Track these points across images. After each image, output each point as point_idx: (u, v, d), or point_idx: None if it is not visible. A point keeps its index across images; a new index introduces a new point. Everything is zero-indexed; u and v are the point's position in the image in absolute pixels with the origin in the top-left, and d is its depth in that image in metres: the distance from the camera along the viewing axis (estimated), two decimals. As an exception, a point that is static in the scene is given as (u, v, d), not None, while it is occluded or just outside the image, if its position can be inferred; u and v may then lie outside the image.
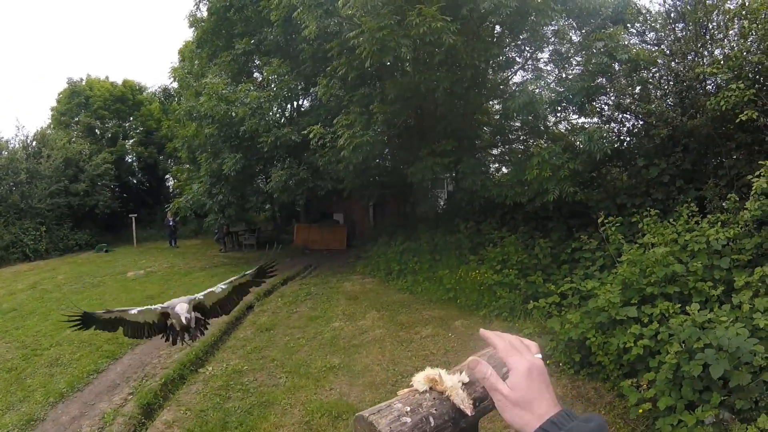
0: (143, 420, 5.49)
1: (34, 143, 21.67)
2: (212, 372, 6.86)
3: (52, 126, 24.90)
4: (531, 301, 7.51)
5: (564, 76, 11.02)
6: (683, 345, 4.33)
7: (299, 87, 14.90)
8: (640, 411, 4.46)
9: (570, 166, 8.55)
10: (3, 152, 20.30)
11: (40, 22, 53.77)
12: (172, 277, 13.35)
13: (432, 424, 1.05)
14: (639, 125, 10.35)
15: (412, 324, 8.34)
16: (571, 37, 11.25)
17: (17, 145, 21.07)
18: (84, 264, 16.69)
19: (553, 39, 11.20)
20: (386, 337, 7.83)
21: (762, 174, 6.01)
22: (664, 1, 9.67)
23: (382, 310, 9.28)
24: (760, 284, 5.17)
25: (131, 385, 6.34)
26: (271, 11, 12.76)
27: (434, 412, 1.09)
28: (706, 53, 9.03)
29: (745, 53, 7.82)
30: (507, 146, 11.96)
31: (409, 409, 1.07)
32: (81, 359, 7.22)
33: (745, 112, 7.03)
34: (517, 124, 11.49)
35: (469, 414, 1.12)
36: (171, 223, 20.42)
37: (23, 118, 30.01)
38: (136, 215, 22.08)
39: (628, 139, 10.65)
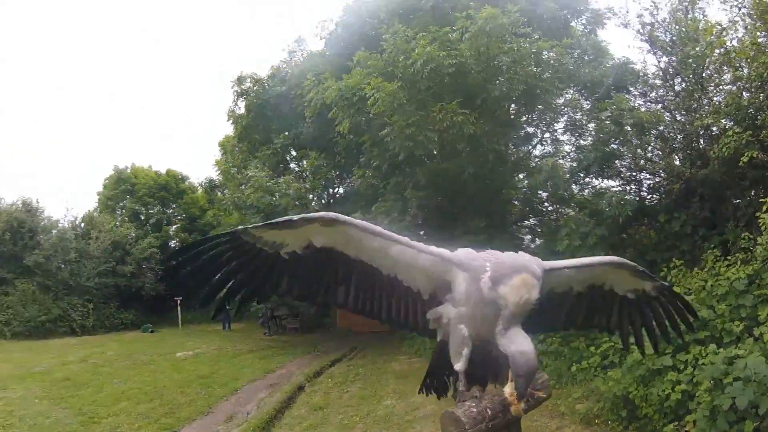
0: None
1: (82, 225, 23.04)
2: None
3: (98, 209, 26.35)
4: (574, 364, 7.74)
5: (580, 143, 11.82)
6: (713, 382, 4.70)
7: (335, 176, 15.93)
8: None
9: (597, 233, 8.97)
10: (53, 231, 21.55)
11: (86, 111, 58.94)
12: (222, 359, 13.66)
13: (489, 413, 1.98)
14: (657, 182, 10.73)
15: (463, 402, 8.47)
16: (582, 104, 12.07)
17: (66, 225, 22.41)
18: (132, 342, 17.20)
19: (565, 109, 12.06)
20: (439, 412, 7.94)
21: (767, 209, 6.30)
22: (659, 61, 10.39)
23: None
24: None
25: None
26: (305, 108, 14.02)
27: (490, 406, 2.02)
28: (705, 102, 9.50)
29: (738, 96, 8.28)
30: (538, 217, 12.49)
31: (474, 404, 2.03)
32: (140, 429, 7.55)
33: (746, 154, 7.40)
34: (543, 194, 12.13)
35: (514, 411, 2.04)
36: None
37: (70, 201, 32.38)
38: (181, 298, 22.81)
39: (649, 196, 11.01)
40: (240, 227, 2.08)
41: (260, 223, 2.03)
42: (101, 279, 21.42)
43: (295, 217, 1.98)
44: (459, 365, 2.12)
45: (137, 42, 67.10)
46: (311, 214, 2.00)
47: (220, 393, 9.89)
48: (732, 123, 8.22)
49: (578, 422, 6.62)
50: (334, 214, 2.03)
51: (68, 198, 46.14)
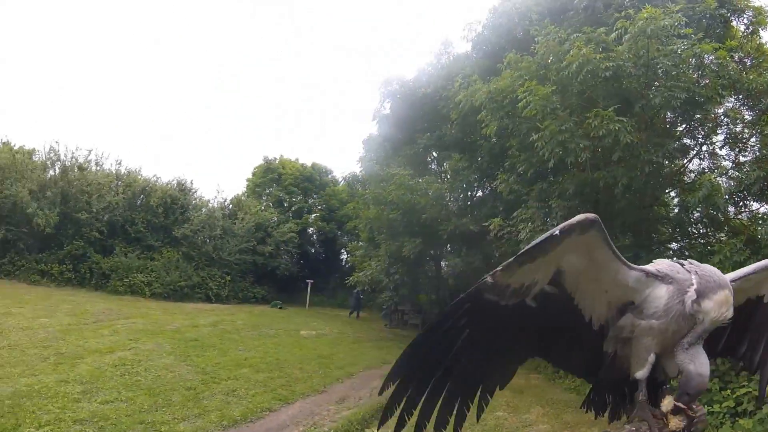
0: None
1: (230, 206, 25.12)
2: None
3: (246, 194, 28.74)
4: (705, 406, 6.69)
5: (740, 159, 10.42)
6: None
7: (475, 179, 15.76)
8: None
9: (752, 263, 7.56)
10: (203, 209, 23.70)
11: (241, 102, 66.46)
12: (342, 342, 14.11)
13: None
14: None
15: (578, 424, 7.82)
16: (744, 115, 10.63)
17: (215, 205, 24.55)
18: (260, 315, 17.90)
19: (725, 119, 10.67)
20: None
21: None
22: None
23: (547, 407, 8.91)
24: None
25: (300, 429, 6.75)
26: (450, 110, 14.10)
27: (642, 429, 1.90)
28: None
29: None
30: (687, 240, 11.08)
31: (634, 428, 1.93)
32: (256, 396, 7.77)
33: None
34: (695, 215, 10.81)
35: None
36: (360, 295, 21.46)
37: (222, 185, 36.40)
38: (313, 281, 24.24)
39: None
40: (486, 277, 1.81)
41: (509, 260, 1.79)
42: (241, 255, 23.04)
43: (551, 233, 1.78)
44: (641, 373, 1.99)
45: (298, 42, 73.13)
46: (568, 222, 1.79)
47: (336, 374, 10.14)
48: None
49: None
50: (591, 214, 1.83)
51: (220, 182, 52.15)
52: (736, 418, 6.35)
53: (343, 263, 29.17)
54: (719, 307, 1.82)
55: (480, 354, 1.87)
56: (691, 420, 1.93)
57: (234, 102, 67.74)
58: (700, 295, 1.83)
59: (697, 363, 1.86)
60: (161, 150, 55.03)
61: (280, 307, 21.46)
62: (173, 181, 23.65)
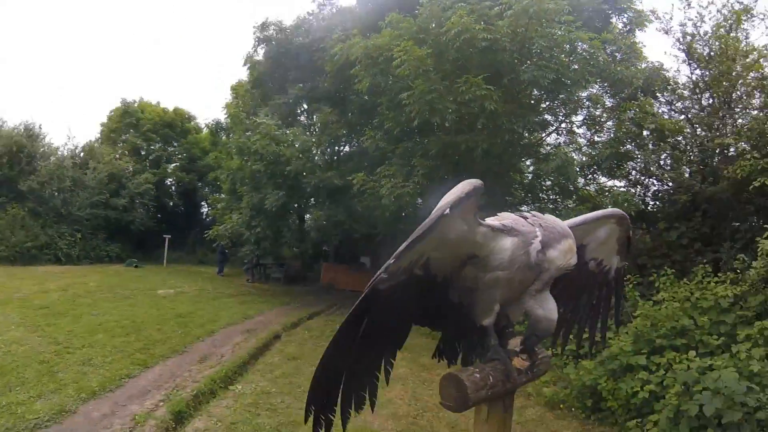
0: (174, 425, 5.64)
1: (81, 154, 22.81)
2: (242, 390, 7.03)
3: (100, 141, 26.04)
4: (549, 348, 7.73)
5: (596, 139, 11.64)
6: (683, 387, 4.84)
7: (344, 134, 15.76)
8: (643, 450, 4.80)
9: None
10: (51, 158, 21.34)
11: (98, 39, 57.84)
12: (202, 300, 13.62)
13: (491, 381, 1.94)
14: (663, 190, 10.82)
15: (434, 366, 8.48)
16: (605, 101, 11.93)
17: (66, 153, 22.20)
18: (114, 276, 17.02)
19: (587, 103, 11.91)
20: (409, 375, 8.04)
21: (768, 236, 6.41)
22: (692, 73, 10.32)
23: (405, 351, 9.27)
24: (758, 336, 5.62)
25: (162, 393, 6.41)
26: (326, 62, 13.81)
27: (492, 374, 1.98)
28: (729, 122, 9.56)
29: (763, 122, 8.32)
30: (537, 204, 12.43)
31: (477, 370, 1.98)
32: (113, 363, 7.38)
33: (758, 179, 7.51)
34: (548, 183, 12.04)
35: (513, 379, 2.02)
36: (225, 251, 20.43)
37: (74, 128, 31.89)
38: (170, 236, 22.75)
39: (652, 202, 11.08)
40: (380, 273, 1.75)
41: (399, 249, 1.73)
42: (93, 210, 21.29)
43: (442, 211, 1.71)
44: (488, 320, 2.06)
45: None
46: (456, 196, 1.75)
47: (196, 333, 9.78)
48: (750, 147, 8.26)
49: (542, 404, 6.72)
50: (476, 182, 1.82)
51: (72, 126, 45.61)
52: (579, 360, 7.13)
53: (204, 217, 27.57)
54: (564, 255, 1.91)
55: (381, 331, 1.87)
56: (534, 361, 2.10)
57: (93, 35, 58.40)
58: (545, 245, 1.90)
59: (546, 308, 1.96)
60: (6, 89, 45.65)
61: (136, 266, 20.13)
62: (20, 125, 20.96)
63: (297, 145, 14.04)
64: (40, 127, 21.83)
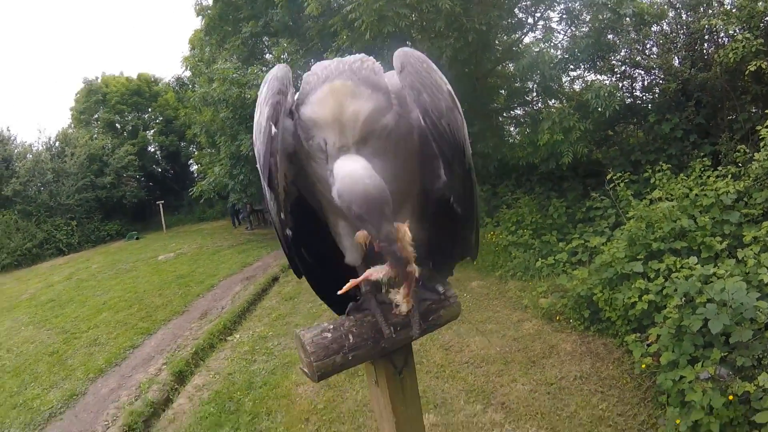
0: (176, 386, 5.86)
1: (57, 143, 22.38)
2: (239, 339, 7.24)
3: (72, 125, 25.58)
4: (540, 259, 7.60)
5: (575, 34, 10.81)
6: (684, 299, 4.30)
7: (309, 64, 14.92)
8: (643, 366, 4.47)
9: (581, 127, 8.37)
10: (28, 156, 21.10)
11: (50, 27, 54.85)
12: (201, 257, 13.75)
13: (351, 341, 1.31)
14: (651, 81, 10.13)
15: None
16: None
17: (41, 147, 21.92)
18: (116, 252, 17.23)
19: None
20: None
21: (771, 123, 5.82)
22: None
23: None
24: (767, 237, 5.09)
25: (165, 357, 6.70)
26: (273, -8, 12.74)
27: (354, 331, 1.34)
28: (715, 4, 8.77)
29: (755, 3, 7.53)
30: (524, 108, 11.86)
31: (332, 327, 1.35)
32: (118, 337, 7.63)
33: (753, 63, 6.89)
34: (531, 84, 11.28)
35: (386, 334, 1.33)
36: (236, 207, 19.68)
37: (43, 121, 31.10)
38: (163, 201, 22.72)
39: (641, 95, 10.41)
40: None
41: None
42: (81, 195, 21.06)
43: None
44: (351, 256, 1.49)
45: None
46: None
47: (196, 291, 10.03)
48: (741, 30, 7.48)
49: (540, 317, 6.50)
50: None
51: (40, 119, 44.54)
52: (574, 267, 6.86)
53: (195, 175, 27.03)
54: (322, 104, 1.34)
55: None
56: (423, 301, 1.56)
57: (38, 28, 55.06)
58: (299, 102, 1.43)
59: (343, 168, 1.21)
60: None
61: (137, 238, 20.23)
62: (-12, 134, 20.19)
63: (258, 83, 13.33)
64: (8, 130, 21.59)
